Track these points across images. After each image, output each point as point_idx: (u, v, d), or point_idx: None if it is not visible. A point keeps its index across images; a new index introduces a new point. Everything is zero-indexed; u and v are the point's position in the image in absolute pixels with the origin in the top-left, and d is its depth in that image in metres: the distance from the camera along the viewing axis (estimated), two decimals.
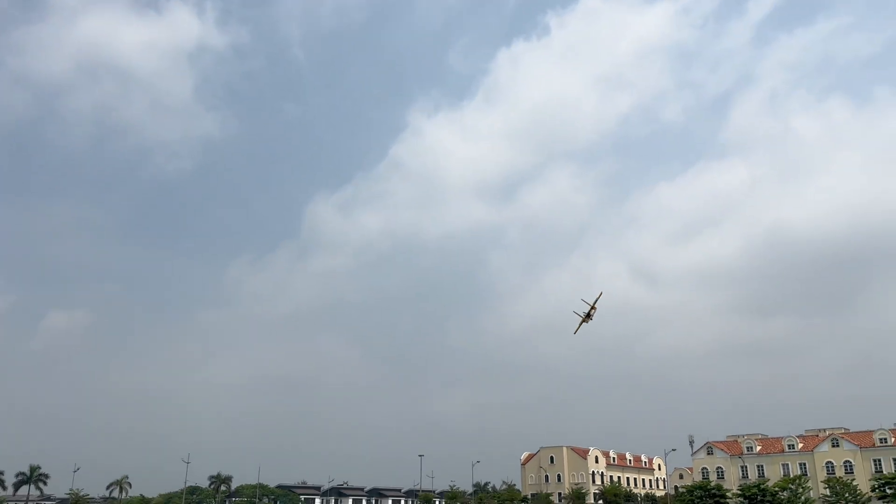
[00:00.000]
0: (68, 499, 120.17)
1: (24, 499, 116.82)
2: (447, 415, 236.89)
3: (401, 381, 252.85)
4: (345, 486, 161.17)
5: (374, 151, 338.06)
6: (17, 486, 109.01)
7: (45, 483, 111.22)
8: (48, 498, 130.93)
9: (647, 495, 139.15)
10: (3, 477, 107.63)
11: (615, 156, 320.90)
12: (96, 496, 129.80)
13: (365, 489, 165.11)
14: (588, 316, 71.15)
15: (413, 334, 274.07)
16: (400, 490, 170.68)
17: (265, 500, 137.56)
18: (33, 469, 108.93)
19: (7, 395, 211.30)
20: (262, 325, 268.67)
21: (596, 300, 70.80)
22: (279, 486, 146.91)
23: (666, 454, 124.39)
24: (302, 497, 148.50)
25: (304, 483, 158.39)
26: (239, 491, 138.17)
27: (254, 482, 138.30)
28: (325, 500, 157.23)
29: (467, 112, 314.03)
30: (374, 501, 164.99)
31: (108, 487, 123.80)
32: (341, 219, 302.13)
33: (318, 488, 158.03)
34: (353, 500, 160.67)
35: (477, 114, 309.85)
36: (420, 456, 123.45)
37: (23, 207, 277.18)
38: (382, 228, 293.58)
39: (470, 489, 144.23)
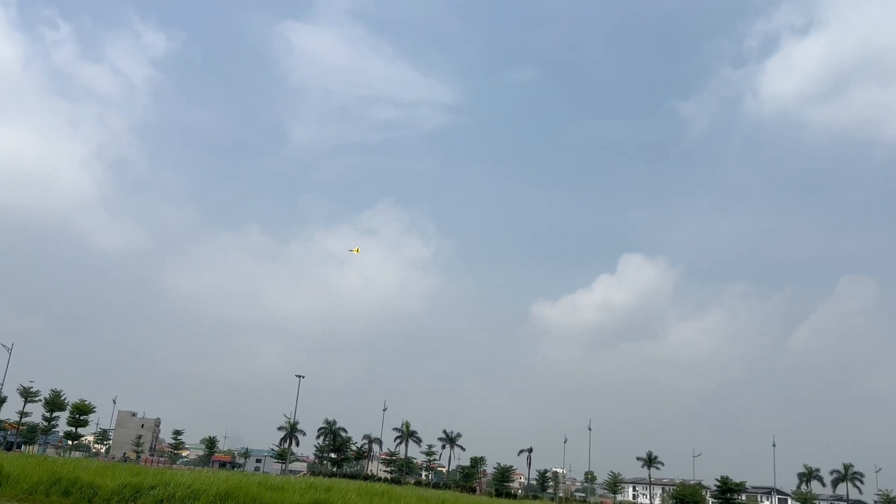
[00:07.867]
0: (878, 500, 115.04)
1: (842, 497, 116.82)
2: None
3: None
4: None
5: None
6: (834, 484, 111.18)
7: (861, 482, 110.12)
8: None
9: None
10: (821, 474, 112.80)
11: None
12: None
13: None
14: None
15: None
16: None
17: None
18: (846, 467, 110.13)
19: None
20: None
21: None
22: None
23: None
24: None
25: None
26: None
27: None
28: None
29: None
30: None
31: None
32: None
33: None
34: None
35: None
36: None
37: None
38: None
39: None
